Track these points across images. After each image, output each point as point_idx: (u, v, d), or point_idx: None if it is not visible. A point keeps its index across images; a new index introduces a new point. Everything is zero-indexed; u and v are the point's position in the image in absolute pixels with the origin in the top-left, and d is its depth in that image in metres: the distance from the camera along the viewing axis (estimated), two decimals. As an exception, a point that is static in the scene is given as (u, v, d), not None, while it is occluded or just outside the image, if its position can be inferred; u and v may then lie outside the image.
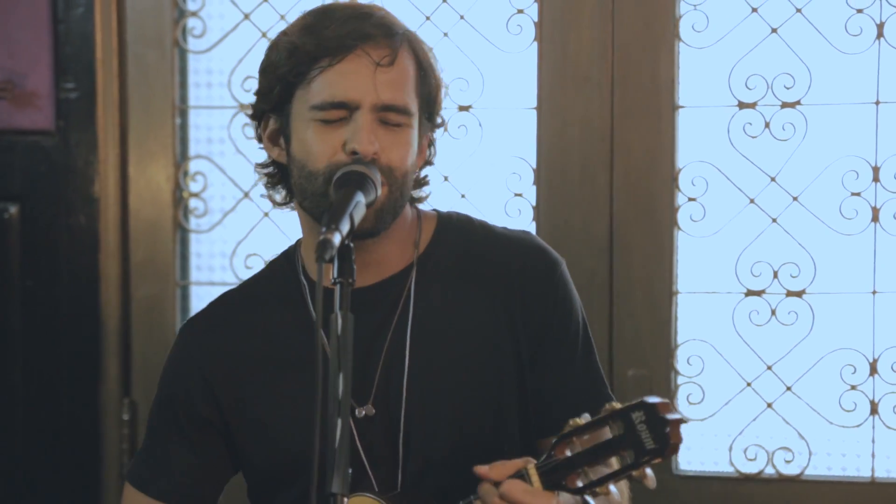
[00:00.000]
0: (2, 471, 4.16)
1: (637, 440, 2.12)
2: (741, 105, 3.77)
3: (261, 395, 2.56)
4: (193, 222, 4.12)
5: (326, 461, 2.09)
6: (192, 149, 4.14)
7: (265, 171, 2.63)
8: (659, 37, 3.79)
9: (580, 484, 2.20)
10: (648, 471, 2.15)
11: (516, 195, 3.89)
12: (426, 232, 2.61)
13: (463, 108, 3.90)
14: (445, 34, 3.90)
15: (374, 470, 2.51)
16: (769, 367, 3.79)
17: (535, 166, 3.88)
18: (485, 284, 2.54)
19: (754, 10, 3.75)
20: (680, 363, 3.83)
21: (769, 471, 3.81)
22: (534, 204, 3.88)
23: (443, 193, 3.86)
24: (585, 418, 2.20)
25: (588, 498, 2.24)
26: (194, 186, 4.11)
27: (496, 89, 3.89)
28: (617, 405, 2.15)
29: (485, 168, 3.89)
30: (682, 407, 3.83)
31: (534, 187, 3.88)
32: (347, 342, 2.12)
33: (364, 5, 2.56)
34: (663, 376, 3.83)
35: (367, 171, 2.37)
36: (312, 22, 2.49)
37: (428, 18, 3.91)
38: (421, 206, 2.67)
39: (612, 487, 2.18)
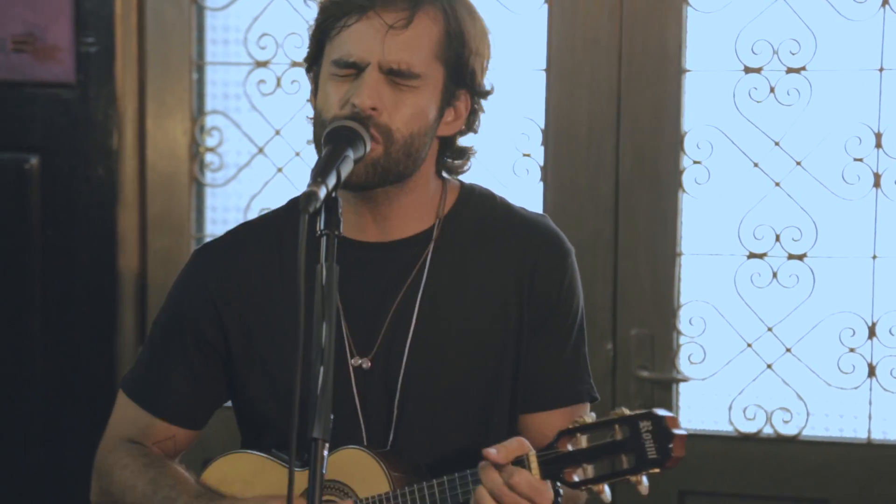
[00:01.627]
0: (20, 419, 4.25)
1: (640, 447, 2.19)
2: (747, 70, 3.81)
3: (265, 330, 2.60)
4: (209, 176, 4.20)
5: (313, 406, 2.14)
6: (209, 104, 4.21)
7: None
8: (667, 1, 3.83)
9: (576, 479, 2.26)
10: (644, 478, 2.21)
11: (524, 155, 3.94)
12: (450, 199, 2.64)
13: (473, 69, 3.95)
14: (457, -5, 3.95)
15: (367, 423, 2.56)
16: (770, 329, 3.85)
17: (543, 127, 3.93)
18: (499, 258, 2.59)
19: (762, -25, 3.80)
20: (682, 323, 3.89)
21: (767, 430, 3.87)
22: (541, 164, 3.94)
23: (452, 152, 3.91)
24: (592, 417, 2.27)
25: (559, 489, 2.32)
26: (210, 141, 4.18)
27: (506, 50, 3.93)
28: (626, 411, 2.23)
29: (493, 128, 3.92)
30: (684, 366, 3.90)
31: (542, 148, 3.94)
32: (332, 292, 2.17)
33: None
34: (665, 336, 3.89)
35: (357, 126, 2.41)
36: None
37: (441, -21, 3.96)
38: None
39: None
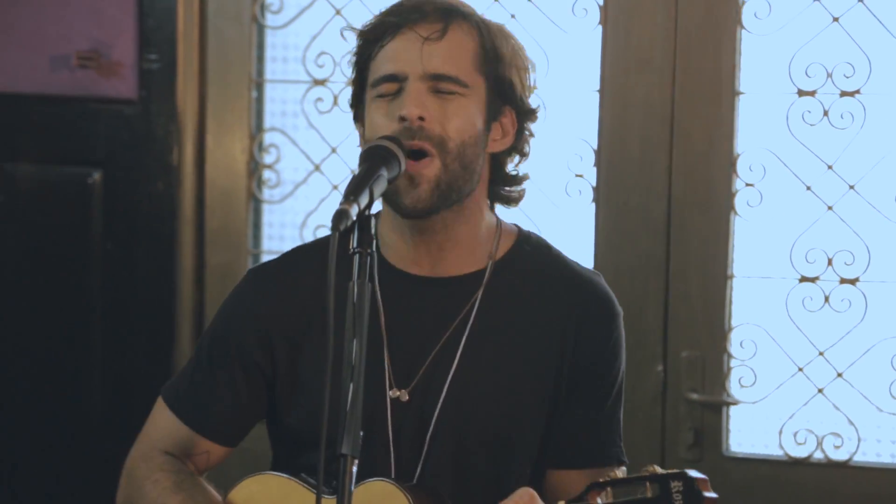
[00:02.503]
0: (79, 432, 4.31)
1: None
2: (801, 93, 3.80)
3: (311, 352, 2.62)
4: (266, 193, 4.24)
5: (344, 424, 2.17)
6: (267, 121, 4.25)
7: None
8: (721, 23, 3.83)
9: None
10: None
11: (577, 176, 3.95)
12: (504, 244, 2.65)
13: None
14: (513, 16, 3.97)
15: (397, 454, 2.57)
16: (821, 353, 3.83)
17: (596, 148, 3.94)
18: (547, 310, 2.60)
19: (816, -2, 3.79)
20: (733, 346, 3.88)
21: (818, 455, 3.85)
22: (594, 185, 3.94)
23: (504, 172, 3.93)
24: (623, 472, 2.29)
25: None
26: (268, 158, 4.23)
27: (560, 71, 3.96)
28: (658, 469, 2.23)
29: (547, 148, 3.95)
30: (734, 389, 3.88)
31: (594, 169, 3.94)
32: (364, 310, 2.19)
33: None
34: (716, 358, 3.87)
35: (392, 145, 2.42)
36: (382, 12, 2.60)
37: (496, 0, 3.98)
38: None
39: None
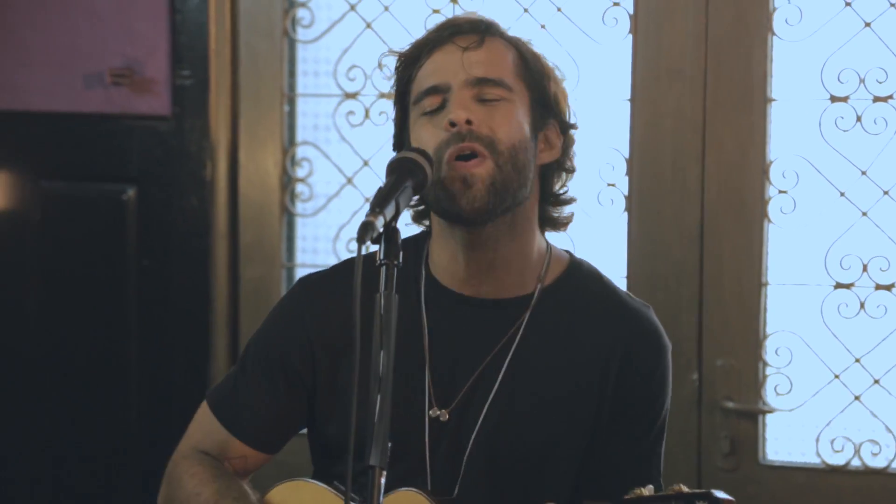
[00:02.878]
0: (115, 441, 4.33)
1: None
2: (833, 99, 3.79)
3: (351, 367, 2.63)
4: (299, 206, 4.25)
5: (373, 434, 2.17)
6: (299, 135, 4.27)
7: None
8: (752, 30, 3.82)
9: None
10: None
11: (609, 185, 3.95)
12: (554, 270, 2.65)
13: (559, 100, 3.97)
14: (543, 26, 3.98)
15: (433, 473, 2.58)
16: (857, 360, 3.81)
17: (627, 157, 3.94)
18: (593, 338, 2.59)
19: (847, 3, 3.76)
20: (768, 354, 3.86)
21: (855, 463, 3.83)
22: (626, 194, 3.94)
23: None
24: (650, 490, 2.27)
25: None
26: (300, 172, 4.24)
27: (591, 81, 3.95)
28: (685, 488, 2.22)
29: (579, 158, 3.92)
30: (770, 397, 3.86)
31: (626, 178, 3.94)
32: (391, 322, 2.20)
33: (471, 14, 2.66)
34: (751, 366, 3.86)
35: (418, 157, 2.42)
36: (417, 39, 2.63)
37: (526, 11, 3.99)
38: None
39: None
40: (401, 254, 2.25)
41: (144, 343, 4.30)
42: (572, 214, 2.70)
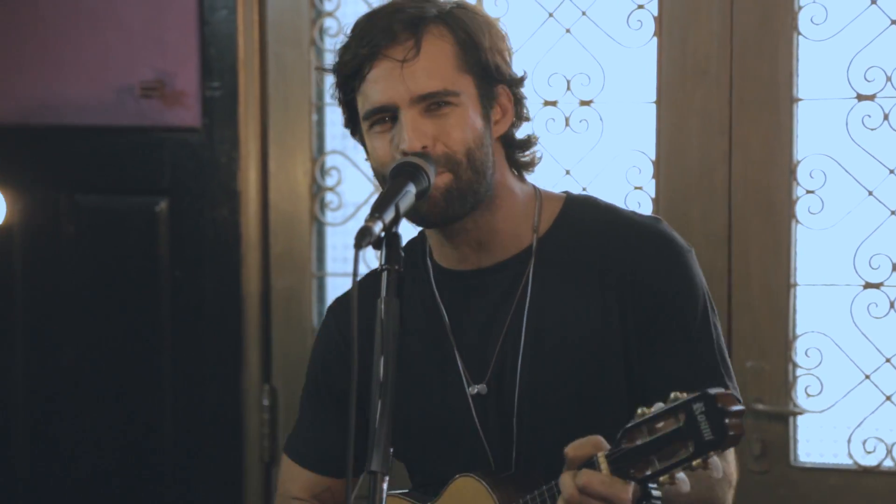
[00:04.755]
0: (150, 452, 4.35)
1: (697, 431, 2.12)
2: (860, 97, 3.76)
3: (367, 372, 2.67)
4: (329, 215, 4.27)
5: (376, 440, 2.16)
6: (328, 144, 4.29)
7: None
8: (777, 30, 3.81)
9: (648, 473, 2.20)
10: (715, 460, 2.14)
11: (636, 188, 3.94)
12: (548, 213, 2.62)
13: (584, 103, 3.97)
14: (568, 30, 3.98)
15: (491, 446, 2.58)
16: (888, 360, 3.78)
17: (654, 159, 3.93)
18: (602, 270, 2.55)
19: (873, 1, 3.74)
20: (798, 355, 3.84)
21: (888, 463, 3.79)
22: (653, 196, 3.93)
23: (564, 187, 3.90)
24: (658, 407, 2.24)
25: (652, 489, 2.24)
26: (329, 181, 4.26)
27: (617, 84, 3.95)
28: (682, 395, 2.16)
29: (605, 161, 3.95)
30: (801, 399, 3.84)
31: (653, 180, 3.93)
32: (391, 327, 2.19)
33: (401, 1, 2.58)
34: (781, 368, 3.84)
35: (420, 161, 2.41)
36: (348, 39, 2.59)
37: (551, 15, 3.99)
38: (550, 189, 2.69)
39: (679, 475, 2.17)
40: (402, 259, 2.23)
41: (178, 353, 4.32)
42: (536, 153, 2.64)
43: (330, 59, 4.14)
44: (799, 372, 3.84)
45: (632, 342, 2.53)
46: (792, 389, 3.84)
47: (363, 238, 2.18)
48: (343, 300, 2.77)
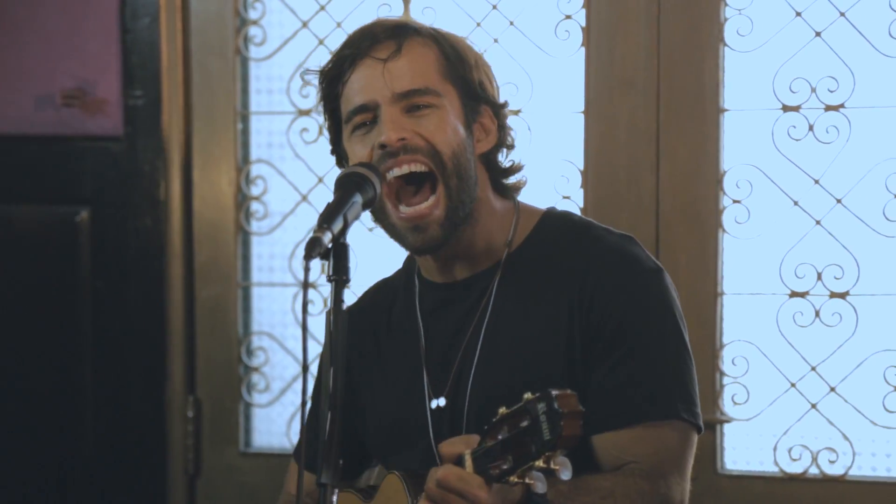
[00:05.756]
0: (72, 465, 4.29)
1: (538, 430, 2.13)
2: (785, 108, 3.80)
3: (372, 373, 2.71)
4: (254, 224, 4.24)
5: (324, 453, 2.17)
6: (253, 153, 4.26)
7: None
8: (704, 41, 3.84)
9: (503, 469, 2.19)
10: (562, 461, 2.13)
11: (564, 198, 3.95)
12: (523, 228, 2.64)
13: (512, 113, 3.95)
14: (495, 40, 3.98)
15: (444, 461, 2.55)
16: (813, 368, 3.82)
17: (582, 169, 3.94)
18: (562, 283, 2.56)
19: (798, 14, 3.78)
20: (725, 364, 3.87)
21: (813, 471, 3.83)
22: (581, 206, 3.94)
23: (492, 196, 3.93)
24: (515, 405, 2.21)
25: (531, 486, 2.20)
26: (255, 190, 4.23)
27: (545, 94, 3.96)
28: (529, 395, 2.17)
29: (534, 171, 3.91)
30: (728, 407, 3.87)
31: (581, 190, 3.94)
32: (340, 339, 2.19)
33: (383, 18, 2.64)
34: (708, 377, 3.86)
35: (365, 171, 2.41)
36: (336, 50, 2.61)
37: (478, 25, 4.00)
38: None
39: (536, 474, 2.15)
40: (349, 270, 2.23)
41: (100, 365, 4.27)
42: (524, 178, 2.69)
43: (255, 68, 4.19)
44: (726, 380, 3.87)
45: (578, 357, 2.53)
46: (719, 398, 3.87)
47: (313, 249, 2.18)
48: (354, 304, 2.78)
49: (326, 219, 2.25)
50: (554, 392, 2.13)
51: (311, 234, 2.22)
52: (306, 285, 2.16)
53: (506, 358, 2.56)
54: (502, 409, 2.22)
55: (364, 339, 2.73)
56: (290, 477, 2.86)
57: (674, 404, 2.51)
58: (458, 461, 2.28)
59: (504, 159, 2.66)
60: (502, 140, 2.64)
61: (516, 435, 2.18)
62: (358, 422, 2.73)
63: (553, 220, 2.66)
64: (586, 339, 2.52)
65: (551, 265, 2.58)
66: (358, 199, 2.35)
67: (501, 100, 2.65)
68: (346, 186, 2.38)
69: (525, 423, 2.16)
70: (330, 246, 2.23)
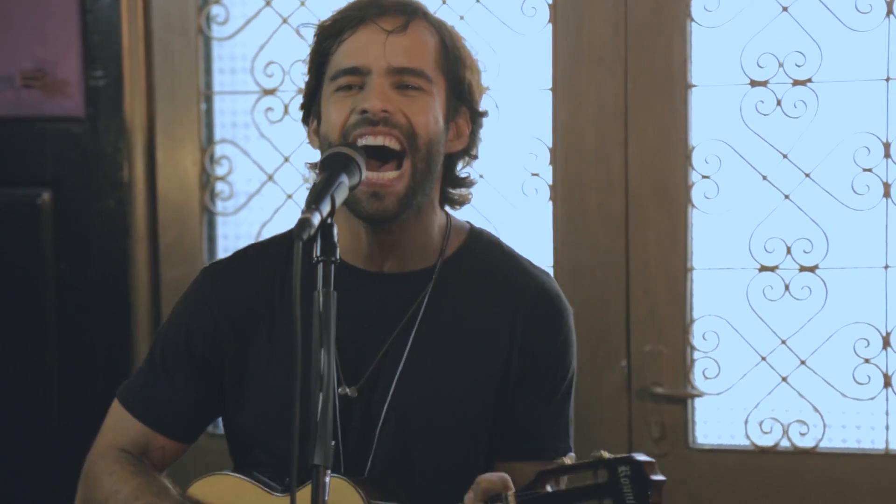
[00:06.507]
0: (36, 448, 4.26)
1: (619, 492, 2.20)
2: (753, 83, 3.81)
3: (260, 351, 2.64)
4: (220, 205, 4.21)
5: (310, 433, 2.15)
6: (218, 133, 4.23)
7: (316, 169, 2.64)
8: (671, 17, 3.84)
9: None
10: None
11: (533, 175, 3.95)
12: (454, 240, 2.68)
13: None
14: (462, 17, 3.97)
15: (345, 449, 2.59)
16: (783, 342, 3.84)
17: (551, 146, 3.94)
18: (495, 308, 2.62)
19: (765, -11, 3.80)
20: (695, 338, 3.88)
21: (784, 443, 3.86)
22: (550, 183, 3.94)
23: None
24: (572, 458, 2.28)
25: None
26: (220, 170, 4.20)
27: (512, 71, 3.95)
28: (606, 454, 2.23)
29: (502, 148, 3.95)
30: (698, 381, 3.89)
31: (550, 167, 3.94)
32: (330, 319, 2.18)
33: None
34: (679, 352, 3.88)
35: (351, 151, 2.41)
36: (340, 8, 2.62)
37: (444, 2, 3.98)
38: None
39: None
40: (337, 249, 2.23)
41: (64, 348, 4.24)
42: (471, 194, 2.73)
43: (218, 47, 4.14)
44: (696, 355, 3.89)
45: (512, 381, 2.61)
46: (690, 372, 3.89)
47: (303, 230, 2.17)
48: (225, 267, 2.73)
49: (315, 199, 2.25)
50: (640, 458, 2.21)
51: (301, 216, 2.19)
52: (298, 265, 2.14)
53: (438, 367, 2.59)
54: (562, 460, 2.28)
55: (252, 304, 2.65)
56: (116, 423, 2.73)
57: (568, 445, 2.66)
58: (498, 498, 2.30)
59: (460, 170, 2.68)
60: (470, 147, 2.68)
61: (582, 490, 2.23)
62: (232, 391, 2.66)
63: (482, 240, 2.71)
64: (522, 367, 2.61)
65: (485, 286, 2.63)
66: (344, 179, 2.35)
67: (483, 107, 2.68)
68: (332, 167, 2.37)
69: (599, 481, 2.22)
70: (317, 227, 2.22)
